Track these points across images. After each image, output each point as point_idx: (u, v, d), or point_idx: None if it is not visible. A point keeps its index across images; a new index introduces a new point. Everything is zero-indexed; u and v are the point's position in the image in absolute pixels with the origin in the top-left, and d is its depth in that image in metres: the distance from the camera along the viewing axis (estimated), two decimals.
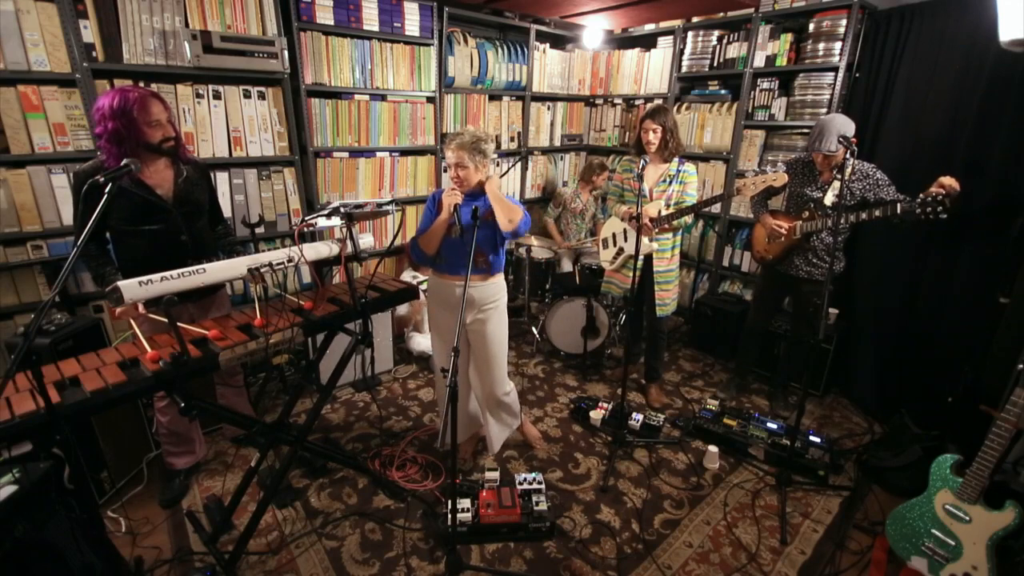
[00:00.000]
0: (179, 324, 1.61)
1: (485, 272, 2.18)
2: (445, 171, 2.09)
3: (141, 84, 2.40)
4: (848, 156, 2.09)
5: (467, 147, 2.01)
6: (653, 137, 2.58)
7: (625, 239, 2.84)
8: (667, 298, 2.80)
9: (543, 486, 2.18)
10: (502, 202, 2.04)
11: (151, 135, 1.81)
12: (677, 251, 2.79)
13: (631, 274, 2.51)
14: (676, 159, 2.65)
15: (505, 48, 3.77)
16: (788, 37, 3.22)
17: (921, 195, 2.10)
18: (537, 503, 2.09)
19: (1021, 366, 1.60)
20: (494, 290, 2.22)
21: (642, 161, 2.47)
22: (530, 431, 2.65)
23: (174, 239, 1.94)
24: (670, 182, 2.64)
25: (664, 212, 2.59)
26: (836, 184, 2.40)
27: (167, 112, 1.86)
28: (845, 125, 2.29)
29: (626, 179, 2.80)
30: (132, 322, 1.65)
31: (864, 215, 2.26)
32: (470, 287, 2.15)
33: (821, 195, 2.47)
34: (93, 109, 1.80)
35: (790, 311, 2.98)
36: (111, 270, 1.87)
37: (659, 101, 3.93)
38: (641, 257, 2.48)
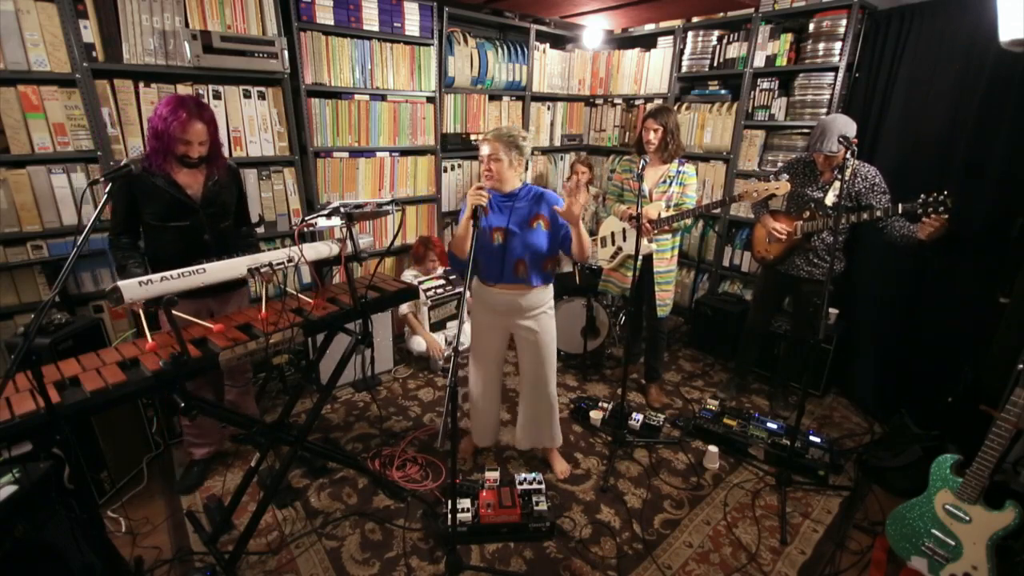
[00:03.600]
0: (191, 318, 1.65)
1: (524, 283, 2.07)
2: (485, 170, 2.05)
3: (142, 84, 2.41)
4: (849, 156, 2.09)
5: (503, 139, 1.94)
6: (653, 136, 2.59)
7: (624, 239, 2.84)
8: (667, 298, 2.80)
9: (543, 486, 2.18)
10: (581, 230, 1.93)
11: (178, 149, 1.91)
12: (676, 251, 2.79)
13: (630, 274, 2.51)
14: (676, 160, 2.66)
15: (505, 48, 3.77)
16: (788, 37, 3.22)
17: (923, 195, 2.11)
18: (537, 503, 2.09)
19: (1021, 366, 1.60)
20: (543, 296, 2.15)
21: (642, 161, 2.47)
22: (558, 463, 2.42)
23: (198, 237, 2.03)
24: (670, 183, 2.64)
25: (664, 214, 2.59)
26: (837, 184, 2.41)
27: (208, 135, 1.94)
28: (846, 125, 2.29)
29: (626, 179, 2.80)
30: (140, 313, 1.65)
31: (865, 215, 2.26)
32: (516, 295, 2.09)
33: (822, 195, 2.47)
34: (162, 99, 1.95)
35: (790, 311, 2.98)
36: (133, 263, 1.93)
37: (659, 101, 3.92)
38: (640, 257, 2.48)
